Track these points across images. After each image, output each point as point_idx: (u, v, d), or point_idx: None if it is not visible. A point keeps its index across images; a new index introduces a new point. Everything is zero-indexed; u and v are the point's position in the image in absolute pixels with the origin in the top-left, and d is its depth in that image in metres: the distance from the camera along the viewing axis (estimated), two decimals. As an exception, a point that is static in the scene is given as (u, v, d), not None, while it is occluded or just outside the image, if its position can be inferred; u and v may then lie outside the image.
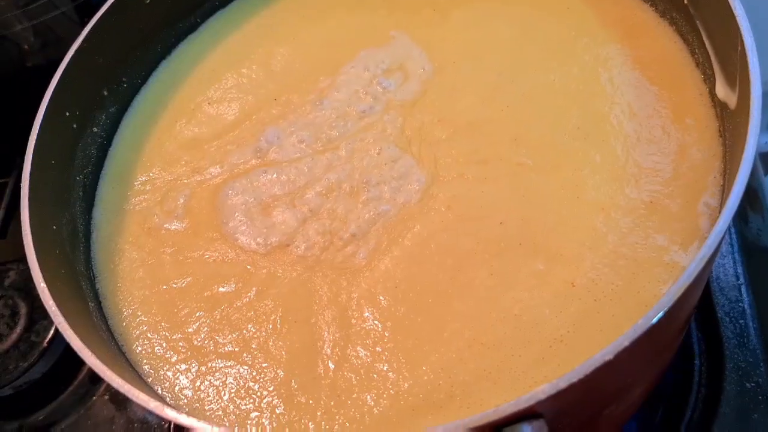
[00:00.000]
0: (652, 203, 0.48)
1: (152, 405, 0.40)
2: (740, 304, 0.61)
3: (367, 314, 0.48)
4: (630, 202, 0.48)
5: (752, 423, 0.56)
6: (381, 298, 0.49)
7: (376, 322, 0.48)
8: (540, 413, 0.34)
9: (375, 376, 0.46)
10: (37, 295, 0.46)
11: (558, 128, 0.53)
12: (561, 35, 0.59)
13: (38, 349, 0.70)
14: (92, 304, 0.54)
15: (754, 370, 0.58)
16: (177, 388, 0.49)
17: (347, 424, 0.44)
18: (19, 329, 0.71)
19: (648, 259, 0.46)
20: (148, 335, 0.52)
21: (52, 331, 0.71)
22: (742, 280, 0.62)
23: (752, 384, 0.57)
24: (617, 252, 0.46)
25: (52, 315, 0.45)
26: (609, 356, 0.34)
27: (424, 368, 0.45)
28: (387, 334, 0.47)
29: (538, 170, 0.52)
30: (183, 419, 0.39)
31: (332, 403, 0.45)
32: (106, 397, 0.70)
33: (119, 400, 0.69)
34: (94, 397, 0.71)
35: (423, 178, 0.54)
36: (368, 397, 0.45)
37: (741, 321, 0.60)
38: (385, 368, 0.46)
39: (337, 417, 0.45)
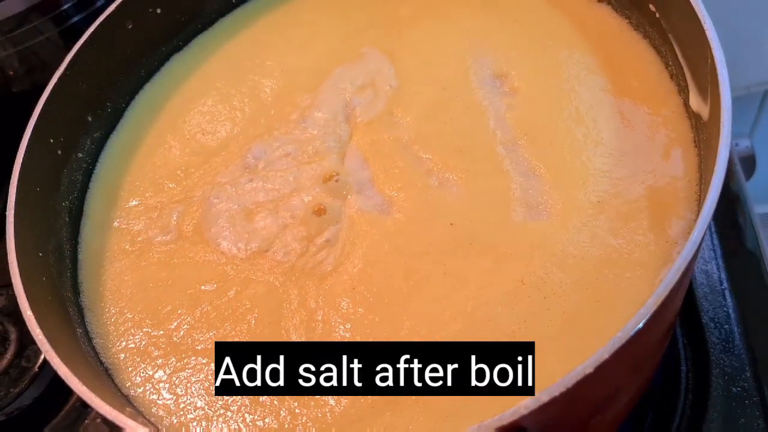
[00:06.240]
0: (600, 203, 0.50)
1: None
2: (724, 309, 0.62)
3: (329, 317, 0.51)
4: (577, 203, 0.51)
5: (740, 427, 0.57)
6: (341, 300, 0.52)
7: (337, 324, 0.51)
8: (524, 427, 0.35)
9: (336, 376, 0.48)
10: (27, 320, 0.48)
11: (502, 136, 0.56)
12: (510, 46, 0.62)
13: (29, 375, 0.70)
14: (80, 330, 0.55)
15: (739, 375, 0.59)
16: (155, 384, 0.52)
17: (309, 424, 0.47)
18: (9, 355, 0.71)
19: (597, 257, 0.48)
20: (132, 331, 0.55)
21: (42, 357, 0.71)
22: (725, 285, 0.63)
23: (738, 389, 0.58)
24: (565, 251, 0.49)
25: (39, 344, 0.47)
26: (589, 369, 0.35)
27: (382, 366, 0.47)
28: (348, 336, 0.50)
29: (485, 175, 0.54)
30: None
31: (296, 404, 0.48)
32: (99, 419, 0.71)
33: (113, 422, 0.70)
34: (87, 421, 0.71)
35: (374, 186, 0.57)
36: (329, 396, 0.47)
37: (726, 326, 0.61)
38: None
39: (300, 416, 0.47)
